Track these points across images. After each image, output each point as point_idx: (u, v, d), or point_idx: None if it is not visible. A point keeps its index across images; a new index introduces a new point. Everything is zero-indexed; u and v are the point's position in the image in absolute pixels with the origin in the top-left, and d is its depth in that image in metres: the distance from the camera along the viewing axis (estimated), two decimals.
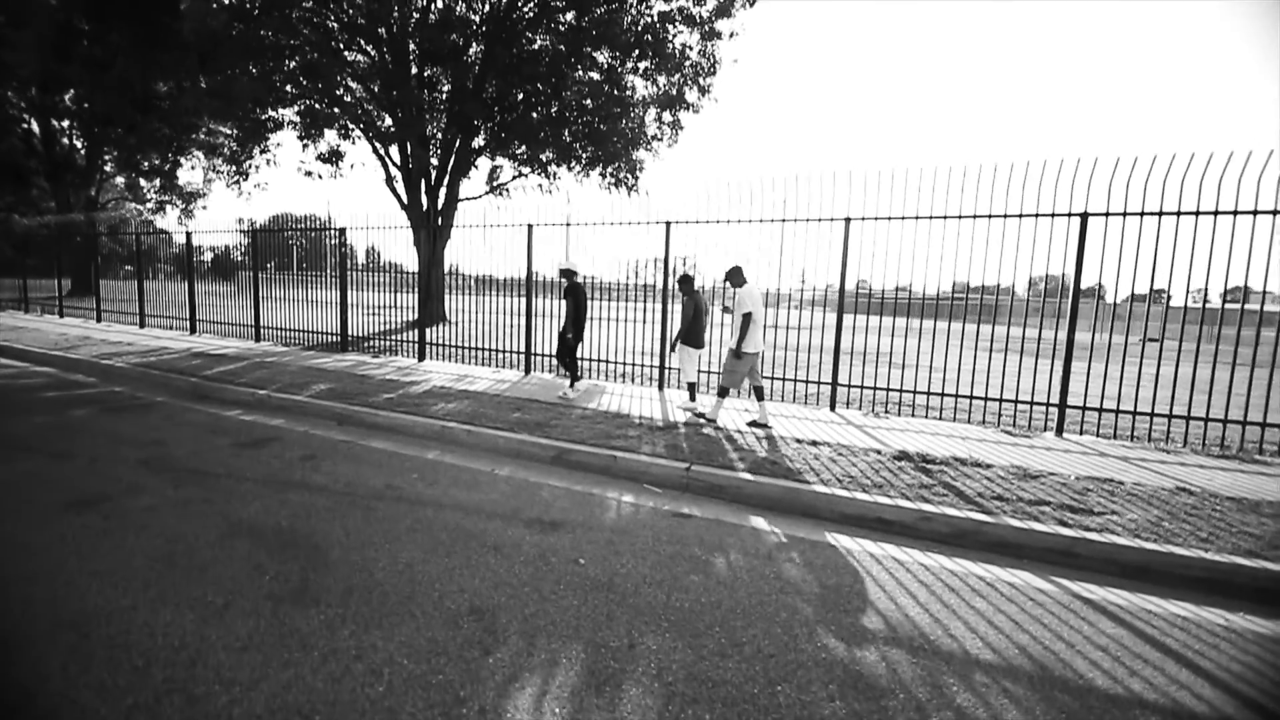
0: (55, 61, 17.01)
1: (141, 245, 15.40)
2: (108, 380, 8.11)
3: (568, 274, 7.44)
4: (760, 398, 6.25)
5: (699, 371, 7.11)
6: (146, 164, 26.78)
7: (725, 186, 7.52)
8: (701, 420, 6.24)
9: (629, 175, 15.77)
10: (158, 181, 28.86)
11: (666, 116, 15.39)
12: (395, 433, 5.92)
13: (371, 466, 4.71)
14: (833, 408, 7.10)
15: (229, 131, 16.24)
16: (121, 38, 13.11)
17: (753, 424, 6.13)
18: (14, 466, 4.29)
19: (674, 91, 14.79)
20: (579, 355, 7.53)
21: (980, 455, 5.29)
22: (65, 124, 26.81)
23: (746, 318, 5.99)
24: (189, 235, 13.75)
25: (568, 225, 8.64)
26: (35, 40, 16.45)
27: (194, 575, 2.81)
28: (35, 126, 26.03)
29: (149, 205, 31.32)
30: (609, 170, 15.63)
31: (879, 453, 5.25)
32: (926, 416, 6.86)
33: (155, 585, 2.71)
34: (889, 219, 6.64)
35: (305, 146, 15.16)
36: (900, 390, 7.07)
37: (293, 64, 12.92)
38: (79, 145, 27.11)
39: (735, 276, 6.22)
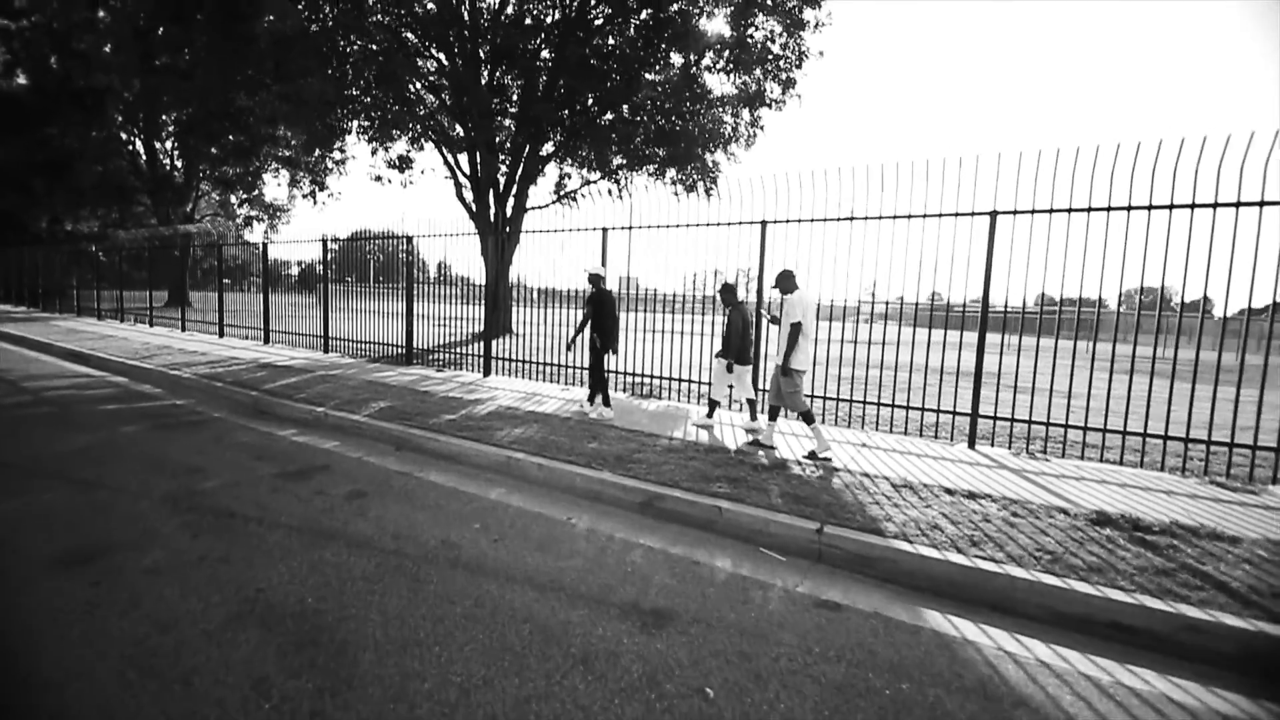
0: (147, 78, 17.90)
1: (224, 258, 15.75)
2: (173, 392, 7.84)
3: (595, 280, 6.63)
4: (774, 418, 5.53)
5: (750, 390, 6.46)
6: (232, 173, 28.02)
7: (827, 176, 6.41)
8: (813, 455, 5.19)
9: (704, 179, 14.77)
10: (241, 193, 30.26)
11: (745, 115, 14.34)
12: (456, 462, 5.14)
13: (427, 511, 3.90)
14: (972, 444, 5.81)
15: (299, 139, 16.47)
16: (200, 46, 13.49)
17: (754, 443, 5.48)
18: (27, 500, 3.73)
19: (754, 88, 13.73)
20: (605, 369, 6.74)
21: (1208, 521, 3.94)
22: (168, 145, 28.65)
23: (795, 327, 5.16)
24: (265, 247, 13.81)
25: (645, 228, 7.74)
26: (129, 61, 17.42)
27: (172, 695, 2.01)
28: (140, 147, 27.90)
29: (238, 220, 33.04)
30: (683, 174, 14.69)
31: (1066, 513, 3.99)
32: (1102, 459, 5.47)
33: (115, 714, 1.91)
34: (1050, 212, 5.35)
35: (375, 152, 15.07)
36: (1066, 426, 5.64)
37: (367, 73, 12.79)
38: (178, 164, 28.86)
39: (786, 281, 5.35)
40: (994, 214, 5.59)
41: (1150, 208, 4.99)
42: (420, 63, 14.29)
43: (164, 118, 25.82)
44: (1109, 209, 5.15)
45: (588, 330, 6.64)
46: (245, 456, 4.96)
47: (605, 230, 7.95)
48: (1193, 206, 4.86)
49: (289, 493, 4.10)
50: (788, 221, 6.62)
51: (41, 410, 6.43)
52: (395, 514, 3.80)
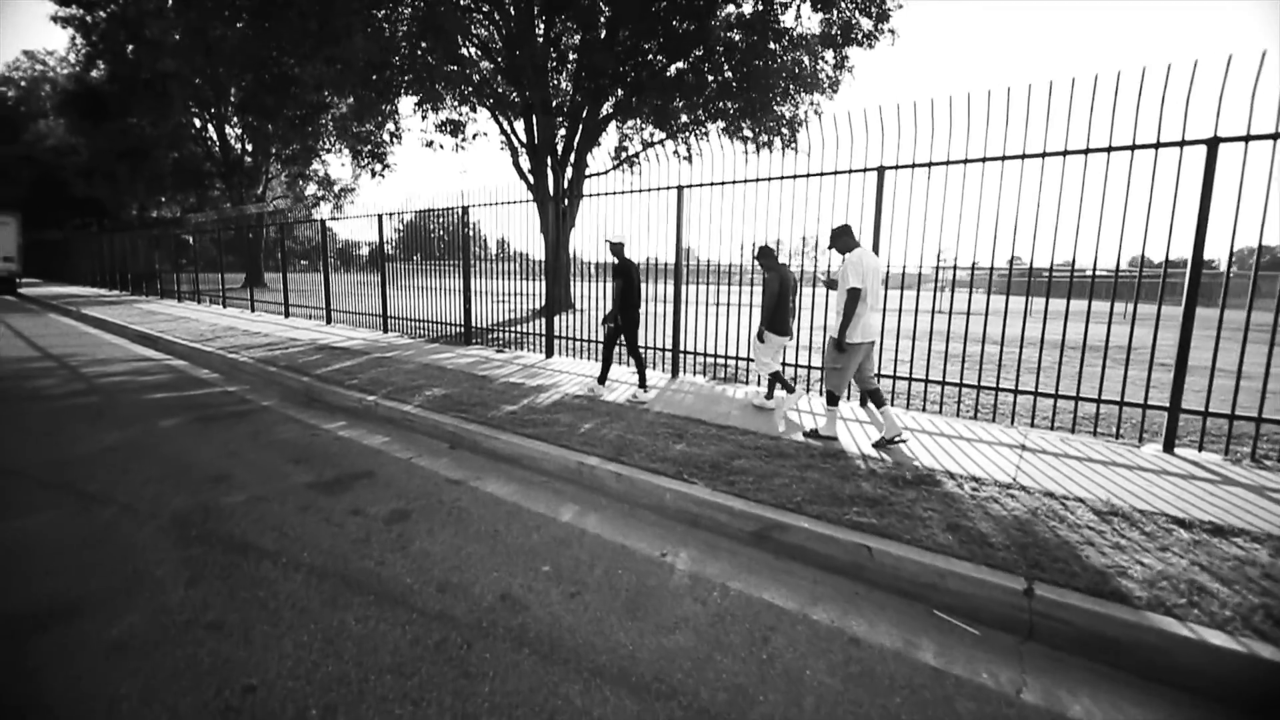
0: (203, 58, 17.94)
1: (299, 240, 15.65)
2: (229, 377, 7.45)
3: (618, 249, 5.96)
4: (879, 403, 4.55)
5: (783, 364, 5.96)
6: (291, 151, 28.12)
7: (972, 101, 5.07)
8: (815, 434, 4.66)
9: (785, 130, 13.21)
10: (300, 167, 30.50)
11: (830, 56, 12.67)
12: (518, 466, 4.33)
13: (483, 542, 3.07)
14: (1168, 448, 4.48)
15: (349, 106, 15.99)
16: (242, 13, 13.09)
17: (879, 442, 4.43)
18: (21, 523, 3.14)
19: (840, 22, 12.02)
20: (639, 344, 6.24)
21: None
22: (237, 130, 29.30)
23: (853, 294, 4.30)
24: (323, 223, 13.51)
25: (728, 184, 6.60)
26: (188, 43, 17.54)
27: None
28: (212, 133, 28.62)
29: (306, 200, 33.71)
30: (760, 127, 13.18)
31: None
32: None
33: None
34: None
35: (424, 116, 14.36)
36: None
37: (413, 30, 11.97)
38: (248, 148, 29.52)
39: (841, 239, 4.56)
40: (1215, 141, 4.16)
41: None
42: (469, 20, 13.37)
43: (230, 102, 26.20)
44: None
45: (611, 302, 6.08)
46: (280, 459, 4.31)
47: (680, 189, 6.86)
48: None
49: (319, 513, 3.36)
50: (913, 166, 5.33)
51: (88, 401, 6.08)
52: (443, 547, 2.99)
